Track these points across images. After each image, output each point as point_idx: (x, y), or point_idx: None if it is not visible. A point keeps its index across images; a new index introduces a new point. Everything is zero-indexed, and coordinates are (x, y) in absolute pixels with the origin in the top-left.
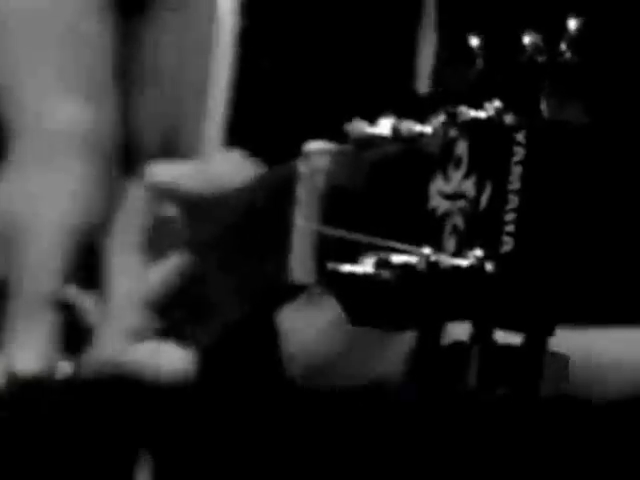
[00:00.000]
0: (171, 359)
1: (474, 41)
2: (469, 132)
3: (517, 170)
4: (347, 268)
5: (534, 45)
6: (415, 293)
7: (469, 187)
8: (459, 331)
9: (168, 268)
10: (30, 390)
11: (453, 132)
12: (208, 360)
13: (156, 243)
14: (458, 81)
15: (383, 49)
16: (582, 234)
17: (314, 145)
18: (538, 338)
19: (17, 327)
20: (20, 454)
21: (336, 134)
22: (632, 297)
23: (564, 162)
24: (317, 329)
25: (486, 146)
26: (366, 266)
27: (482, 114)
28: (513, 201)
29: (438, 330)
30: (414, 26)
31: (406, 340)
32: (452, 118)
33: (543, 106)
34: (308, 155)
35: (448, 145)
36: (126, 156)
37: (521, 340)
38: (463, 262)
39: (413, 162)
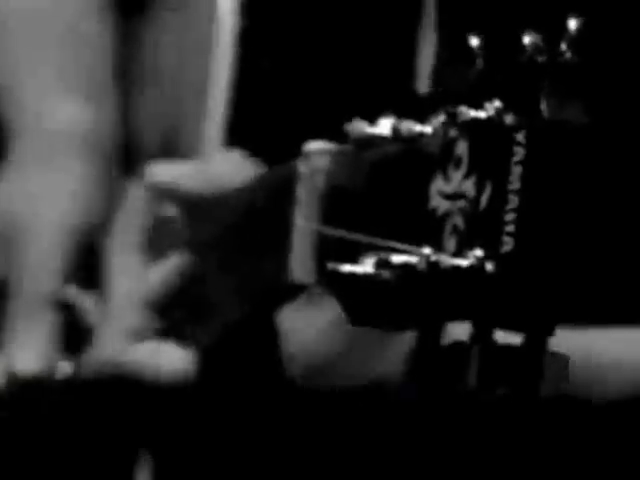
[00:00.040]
0: (171, 359)
1: (474, 41)
2: (469, 132)
3: (517, 170)
4: (347, 268)
5: (534, 45)
6: (415, 293)
7: (469, 187)
8: (459, 331)
9: (168, 268)
10: (30, 390)
11: (453, 132)
12: (208, 360)
13: (156, 243)
14: (458, 81)
15: (383, 49)
16: (582, 234)
17: (314, 145)
18: (538, 338)
19: (17, 327)
20: (20, 454)
21: (336, 134)
22: (632, 297)
23: (564, 162)
24: (317, 329)
25: (486, 146)
26: (366, 266)
27: (482, 114)
28: (513, 201)
29: (438, 330)
30: (414, 26)
31: (406, 340)
32: (452, 118)
33: (543, 106)
34: (308, 155)
35: (448, 145)
36: (126, 156)
37: (521, 340)
38: (463, 262)
39: (413, 162)
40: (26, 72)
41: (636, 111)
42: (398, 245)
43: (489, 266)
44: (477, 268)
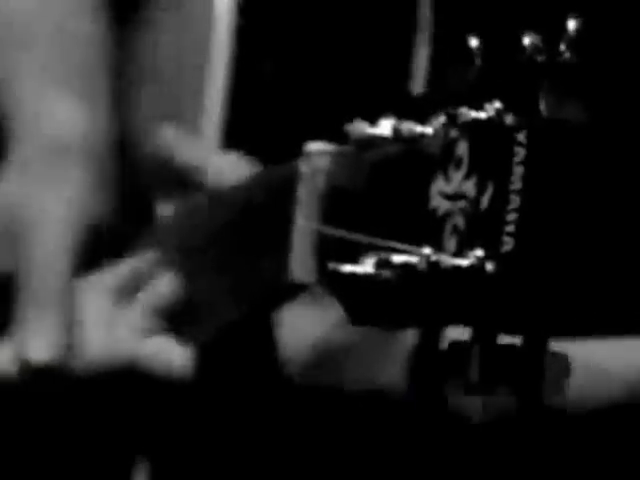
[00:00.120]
0: (178, 354)
1: (473, 42)
2: (470, 133)
3: (519, 170)
4: (348, 268)
5: (534, 45)
6: (416, 293)
7: (470, 187)
8: (459, 331)
9: (172, 275)
10: (42, 378)
11: (454, 133)
12: (206, 360)
13: (156, 243)
14: (458, 82)
15: (383, 49)
16: (583, 234)
17: (315, 146)
18: (539, 338)
19: (29, 316)
20: (20, 454)
21: (337, 135)
22: (632, 297)
23: (565, 162)
24: (317, 329)
25: (487, 147)
26: (367, 266)
27: (482, 115)
28: (515, 201)
29: (438, 330)
30: (412, 27)
31: (406, 340)
32: (453, 119)
33: (542, 106)
34: (309, 155)
35: (449, 146)
36: (123, 155)
37: (522, 340)
38: (463, 262)
39: (414, 163)
40: (24, 72)
41: (635, 110)
42: (398, 245)
43: (489, 266)
44: (477, 268)
